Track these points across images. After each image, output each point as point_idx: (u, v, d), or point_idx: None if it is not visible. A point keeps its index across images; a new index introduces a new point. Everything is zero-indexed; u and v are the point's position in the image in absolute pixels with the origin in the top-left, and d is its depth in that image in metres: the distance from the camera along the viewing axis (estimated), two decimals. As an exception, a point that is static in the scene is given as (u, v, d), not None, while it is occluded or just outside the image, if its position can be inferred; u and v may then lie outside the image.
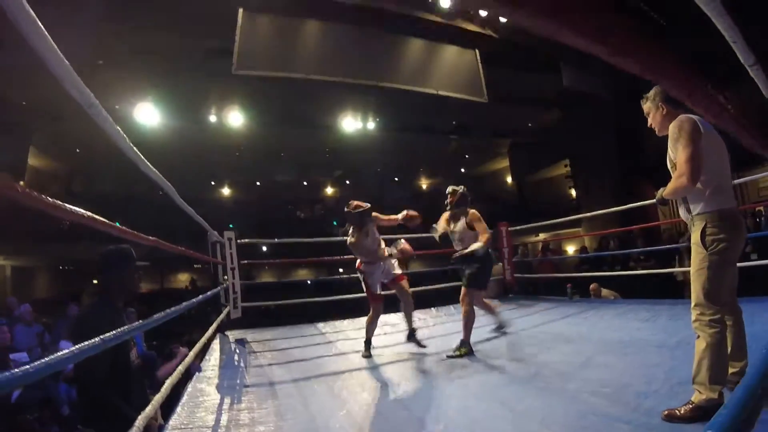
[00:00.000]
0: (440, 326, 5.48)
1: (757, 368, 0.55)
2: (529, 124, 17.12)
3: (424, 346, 4.25)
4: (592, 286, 7.73)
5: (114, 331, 1.64)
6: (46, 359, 1.16)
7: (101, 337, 1.51)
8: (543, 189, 20.52)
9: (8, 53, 7.51)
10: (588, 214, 11.17)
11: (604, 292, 7.75)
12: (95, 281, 17.18)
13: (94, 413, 2.21)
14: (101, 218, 1.59)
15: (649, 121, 2.62)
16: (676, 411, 2.17)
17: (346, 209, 4.31)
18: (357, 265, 4.44)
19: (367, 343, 4.26)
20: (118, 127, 1.59)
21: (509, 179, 22.50)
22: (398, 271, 4.48)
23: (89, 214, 1.50)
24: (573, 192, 17.70)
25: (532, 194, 20.76)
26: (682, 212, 2.43)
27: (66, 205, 1.37)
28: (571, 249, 17.56)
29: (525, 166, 20.42)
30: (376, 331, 4.41)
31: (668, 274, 8.16)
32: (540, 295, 7.30)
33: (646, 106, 2.64)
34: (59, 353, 1.26)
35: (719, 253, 2.20)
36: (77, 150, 15.98)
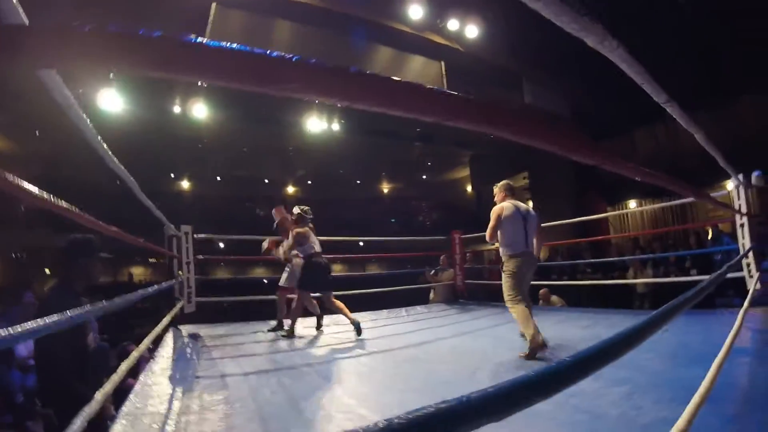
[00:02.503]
0: (389, 327, 5.67)
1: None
2: (491, 136, 17.49)
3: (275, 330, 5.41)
4: (542, 291, 8.11)
5: (71, 313, 1.72)
6: (14, 328, 1.20)
7: (59, 315, 1.54)
8: (500, 199, 20.99)
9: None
10: (542, 225, 11.59)
11: (553, 298, 8.14)
12: (47, 270, 16.68)
13: (53, 394, 2.27)
14: (67, 205, 1.66)
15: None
16: (521, 354, 3.73)
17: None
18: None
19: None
20: (93, 129, 1.68)
21: (469, 188, 22.95)
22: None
23: (61, 201, 1.58)
24: (530, 203, 18.21)
25: (490, 204, 21.06)
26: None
27: (34, 188, 1.45)
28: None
29: (485, 176, 20.80)
30: (330, 329, 5.27)
31: (614, 285, 8.62)
32: (487, 302, 7.58)
33: (495, 190, 4.65)
34: (19, 327, 1.31)
35: (509, 274, 4.15)
36: (36, 132, 15.44)
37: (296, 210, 5.40)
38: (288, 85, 0.65)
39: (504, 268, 4.18)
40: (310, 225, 5.43)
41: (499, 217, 4.18)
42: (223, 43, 0.60)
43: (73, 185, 15.58)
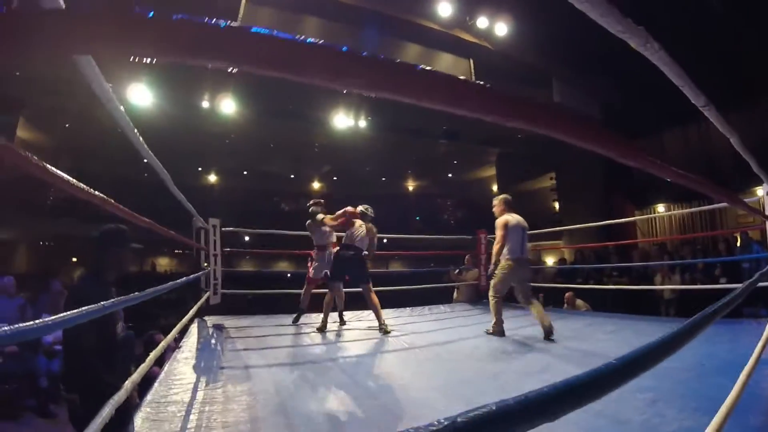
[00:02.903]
0: (411, 325, 5.65)
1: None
2: (519, 136, 17.34)
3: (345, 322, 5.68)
4: (567, 295, 8.00)
5: (101, 303, 1.75)
6: (39, 321, 1.20)
7: (87, 307, 1.59)
8: (527, 200, 20.75)
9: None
10: (568, 227, 11.45)
11: (578, 302, 8.02)
12: (74, 258, 17.11)
13: (79, 380, 2.32)
14: (104, 197, 1.69)
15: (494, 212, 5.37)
16: (487, 330, 4.93)
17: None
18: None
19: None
20: (129, 120, 1.70)
21: (495, 188, 22.76)
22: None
23: (98, 193, 1.61)
24: (556, 205, 17.98)
25: (516, 204, 20.96)
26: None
27: (71, 179, 1.48)
28: (550, 260, 17.86)
29: (511, 176, 20.64)
30: (353, 324, 5.49)
31: (640, 290, 8.44)
32: (513, 303, 7.50)
33: (495, 202, 5.46)
34: (49, 318, 1.33)
35: (502, 275, 4.96)
36: (66, 125, 15.83)
37: (360, 207, 5.54)
38: (319, 73, 0.63)
39: (500, 268, 4.97)
40: (370, 225, 5.51)
41: (506, 226, 4.98)
42: (257, 28, 0.59)
43: (101, 178, 15.95)
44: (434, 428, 0.45)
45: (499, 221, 5.07)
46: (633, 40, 1.26)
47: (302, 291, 5.72)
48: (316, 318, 5.60)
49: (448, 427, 0.46)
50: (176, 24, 0.56)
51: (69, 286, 2.85)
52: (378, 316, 5.14)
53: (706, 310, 1.22)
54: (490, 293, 5.06)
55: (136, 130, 1.84)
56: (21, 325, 1.12)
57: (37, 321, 1.19)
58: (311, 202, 5.83)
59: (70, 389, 2.39)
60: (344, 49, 0.65)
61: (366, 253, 5.45)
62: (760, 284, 4.48)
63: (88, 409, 2.19)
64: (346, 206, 5.54)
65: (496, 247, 4.98)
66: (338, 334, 5.05)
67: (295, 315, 5.67)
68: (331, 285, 5.38)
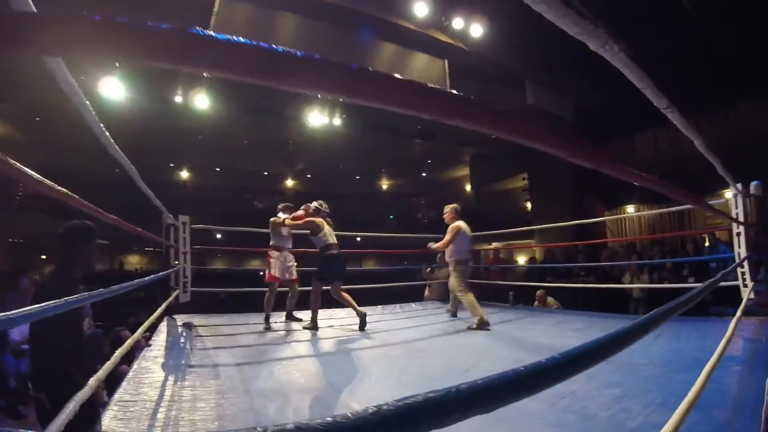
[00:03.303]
0: (382, 323, 5.69)
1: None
2: (492, 136, 17.46)
3: (300, 320, 5.68)
4: (538, 293, 8.16)
5: (66, 298, 1.72)
6: (2, 315, 1.19)
7: (53, 302, 1.57)
8: (500, 199, 21.04)
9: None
10: (539, 227, 11.65)
11: (549, 300, 8.18)
12: (44, 256, 16.65)
13: (46, 378, 2.28)
14: (69, 192, 1.67)
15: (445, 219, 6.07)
16: (471, 326, 5.16)
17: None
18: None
19: (268, 318, 5.37)
20: (96, 117, 1.69)
21: (468, 187, 22.96)
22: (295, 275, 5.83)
23: (63, 189, 1.59)
24: (529, 205, 18.25)
25: (489, 204, 21.24)
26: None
27: (36, 174, 1.47)
28: (522, 259, 18.13)
29: (484, 176, 20.85)
30: (324, 323, 5.38)
31: (610, 288, 8.65)
32: (484, 301, 7.60)
33: (446, 209, 6.13)
34: (13, 311, 1.32)
35: (460, 273, 5.71)
36: (37, 119, 15.42)
37: (314, 204, 5.58)
38: (293, 80, 0.66)
39: (455, 269, 5.78)
40: (327, 219, 5.54)
41: (457, 232, 5.79)
42: (231, 37, 0.61)
43: (73, 174, 15.56)
44: (361, 415, 0.48)
45: (452, 226, 5.85)
46: (591, 41, 1.29)
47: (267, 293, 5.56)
48: (280, 316, 5.77)
49: (375, 414, 0.49)
50: (149, 30, 0.57)
51: (36, 283, 2.80)
52: (354, 306, 5.27)
53: (665, 305, 1.28)
54: (459, 294, 5.75)
55: (102, 126, 1.83)
56: None
57: (3, 314, 1.17)
58: (281, 205, 5.84)
59: (38, 388, 2.35)
60: (318, 57, 0.68)
61: None
62: (726, 283, 4.69)
63: (56, 407, 2.17)
64: (315, 206, 5.57)
65: (441, 245, 5.91)
66: (311, 333, 5.05)
67: (264, 318, 5.43)
68: (328, 285, 5.35)
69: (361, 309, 5.21)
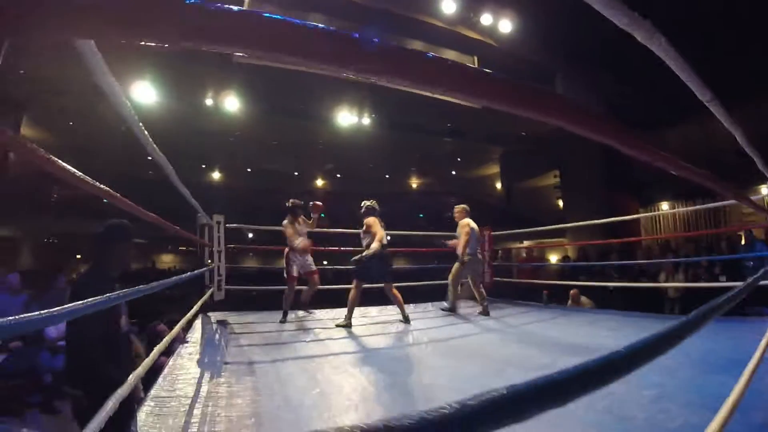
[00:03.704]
0: (415, 321, 5.64)
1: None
2: (523, 133, 17.31)
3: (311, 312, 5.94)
4: (572, 292, 8.00)
5: (104, 296, 1.74)
6: (42, 312, 1.16)
7: (91, 299, 1.57)
8: (531, 197, 20.74)
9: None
10: (571, 225, 11.43)
11: (583, 299, 8.01)
12: (78, 256, 17.13)
13: (83, 375, 2.32)
14: (109, 190, 1.69)
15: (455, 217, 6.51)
16: (442, 307, 6.40)
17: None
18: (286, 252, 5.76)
19: (285, 314, 5.59)
20: (134, 114, 1.69)
21: (498, 185, 22.71)
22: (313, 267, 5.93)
23: (102, 186, 1.61)
24: (560, 202, 17.96)
25: (519, 201, 20.98)
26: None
27: (76, 172, 1.48)
28: (554, 258, 17.86)
29: (515, 173, 20.62)
30: (358, 321, 5.37)
31: (644, 288, 8.41)
32: (517, 300, 7.48)
33: (457, 209, 6.57)
34: (54, 309, 1.32)
35: (462, 267, 6.19)
36: (70, 123, 15.88)
37: (365, 203, 5.71)
38: (326, 59, 0.63)
39: (460, 261, 6.20)
40: (378, 218, 5.61)
41: (471, 231, 6.28)
42: (268, 14, 0.59)
43: (104, 176, 15.92)
44: (445, 411, 0.45)
45: (463, 223, 6.33)
46: (639, 33, 1.24)
47: (286, 290, 5.74)
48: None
49: (459, 410, 0.45)
50: (184, 7, 0.55)
51: (72, 281, 2.86)
52: (401, 308, 5.54)
53: (703, 307, 1.21)
54: (450, 280, 6.38)
55: (141, 124, 1.84)
56: (23, 315, 1.11)
57: (40, 312, 1.17)
58: (291, 202, 5.98)
59: (74, 385, 2.38)
60: (354, 35, 0.65)
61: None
62: (764, 282, 4.49)
63: (93, 404, 2.20)
64: (368, 205, 5.70)
65: (462, 243, 6.20)
66: (345, 331, 5.04)
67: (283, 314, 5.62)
68: (359, 283, 5.43)
69: (388, 312, 5.62)
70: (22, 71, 11.48)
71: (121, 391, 1.86)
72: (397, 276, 6.09)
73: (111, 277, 2.57)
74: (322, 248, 7.37)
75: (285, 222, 5.75)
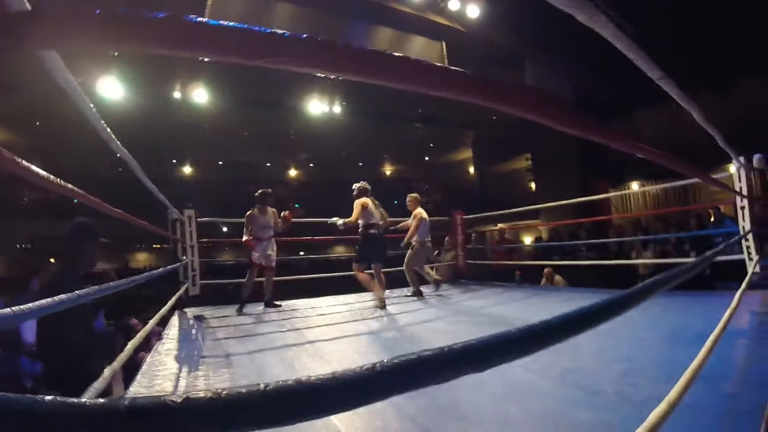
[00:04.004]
0: (390, 306, 5.71)
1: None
2: (494, 117, 17.48)
3: (279, 305, 5.85)
4: (546, 270, 8.18)
5: (75, 292, 1.73)
6: (15, 308, 1.18)
7: (64, 295, 1.57)
8: (504, 181, 21.00)
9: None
10: (542, 206, 11.62)
11: (557, 278, 8.20)
12: (53, 259, 16.74)
13: (61, 376, 2.32)
14: (78, 189, 1.69)
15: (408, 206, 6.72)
16: (407, 293, 6.43)
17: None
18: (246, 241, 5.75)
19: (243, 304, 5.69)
20: (96, 112, 1.69)
21: (472, 170, 22.91)
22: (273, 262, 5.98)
23: (70, 185, 1.60)
24: (533, 185, 18.23)
25: (493, 185, 21.22)
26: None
27: (44, 173, 1.48)
28: (528, 240, 18.16)
29: (488, 157, 20.81)
30: (335, 309, 5.50)
31: (616, 265, 8.63)
32: (491, 281, 7.63)
33: (409, 198, 6.88)
34: (33, 303, 1.29)
35: (416, 252, 6.56)
36: (36, 123, 15.48)
37: (356, 185, 5.83)
38: (281, 58, 0.68)
39: (413, 248, 6.57)
40: (372, 198, 5.79)
41: (422, 218, 6.61)
42: (223, 22, 0.62)
43: (74, 176, 15.56)
44: (357, 372, 0.51)
45: (416, 213, 6.63)
46: (580, 14, 1.26)
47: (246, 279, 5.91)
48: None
49: (370, 370, 0.52)
50: (145, 20, 0.59)
51: (43, 282, 2.88)
52: (378, 291, 5.58)
53: (658, 276, 1.29)
54: (406, 267, 6.63)
55: (103, 122, 1.84)
56: (5, 310, 1.13)
57: (12, 308, 1.17)
58: (258, 193, 6.08)
59: (52, 386, 2.39)
60: (320, 39, 0.70)
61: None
62: (730, 257, 4.69)
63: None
64: (359, 186, 5.85)
65: (412, 231, 6.54)
66: (313, 318, 5.08)
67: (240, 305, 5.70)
68: (361, 267, 5.68)
69: (380, 293, 5.53)
70: None
71: (98, 384, 1.87)
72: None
73: (80, 277, 2.60)
74: (297, 239, 7.34)
75: (251, 212, 5.86)
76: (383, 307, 5.40)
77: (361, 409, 2.25)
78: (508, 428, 2.05)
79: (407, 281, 6.67)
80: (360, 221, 5.63)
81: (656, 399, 2.22)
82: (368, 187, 5.86)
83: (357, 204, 5.61)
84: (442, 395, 2.44)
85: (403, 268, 6.66)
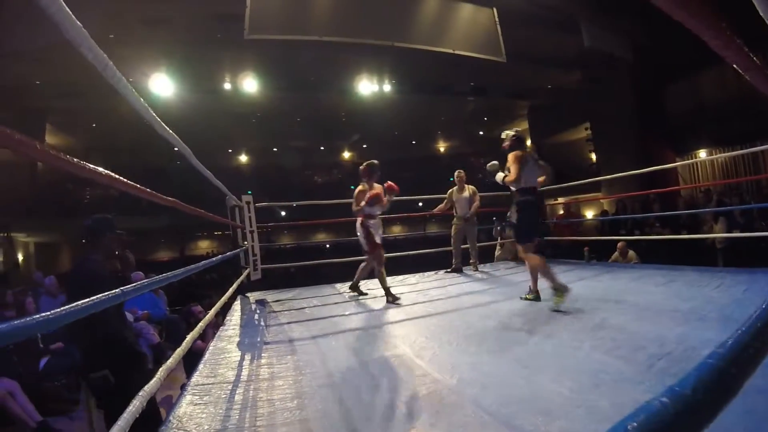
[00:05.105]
0: (454, 287, 5.51)
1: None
2: (549, 86, 16.71)
3: (398, 299, 4.82)
4: (619, 244, 7.75)
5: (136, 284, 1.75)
6: (70, 306, 1.32)
7: (130, 286, 1.71)
8: (563, 152, 20.12)
9: (19, 36, 7.72)
10: (607, 177, 11.02)
11: (630, 253, 7.73)
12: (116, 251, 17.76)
13: (108, 354, 2.58)
14: (124, 180, 1.63)
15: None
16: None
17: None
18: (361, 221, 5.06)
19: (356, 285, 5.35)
20: (132, 89, 1.59)
21: (528, 142, 22.14)
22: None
23: (124, 179, 1.58)
24: (593, 156, 17.41)
25: (551, 157, 20.32)
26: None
27: (103, 170, 1.42)
28: (590, 214, 17.41)
29: (544, 128, 20.01)
30: (393, 290, 4.95)
31: (688, 239, 8.05)
32: (557, 258, 7.27)
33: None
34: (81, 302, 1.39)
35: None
36: (93, 125, 16.14)
37: (508, 133, 4.54)
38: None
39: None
40: (531, 150, 4.63)
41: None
42: None
43: (133, 171, 16.22)
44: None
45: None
46: None
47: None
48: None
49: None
50: None
51: (73, 270, 3.15)
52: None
53: None
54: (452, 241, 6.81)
55: (150, 109, 1.75)
56: (63, 308, 1.27)
57: (75, 304, 1.33)
58: (368, 163, 5.24)
59: (97, 368, 2.57)
60: None
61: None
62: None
63: (123, 380, 2.32)
64: (512, 135, 4.53)
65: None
66: (379, 300, 4.95)
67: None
68: (528, 246, 4.35)
69: (426, 278, 5.44)
70: (38, 82, 11.69)
71: (160, 375, 1.83)
72: (432, 241, 5.90)
73: (101, 262, 3.06)
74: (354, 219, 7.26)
75: (360, 186, 5.08)
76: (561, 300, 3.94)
77: (436, 402, 2.10)
78: (594, 421, 1.83)
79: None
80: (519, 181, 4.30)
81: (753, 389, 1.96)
82: (523, 137, 4.68)
83: (514, 158, 4.30)
84: (521, 387, 2.24)
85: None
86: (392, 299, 4.74)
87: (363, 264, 5.39)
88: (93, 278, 2.80)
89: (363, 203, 4.86)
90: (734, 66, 1.17)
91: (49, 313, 1.14)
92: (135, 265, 4.36)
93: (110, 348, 2.72)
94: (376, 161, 5.22)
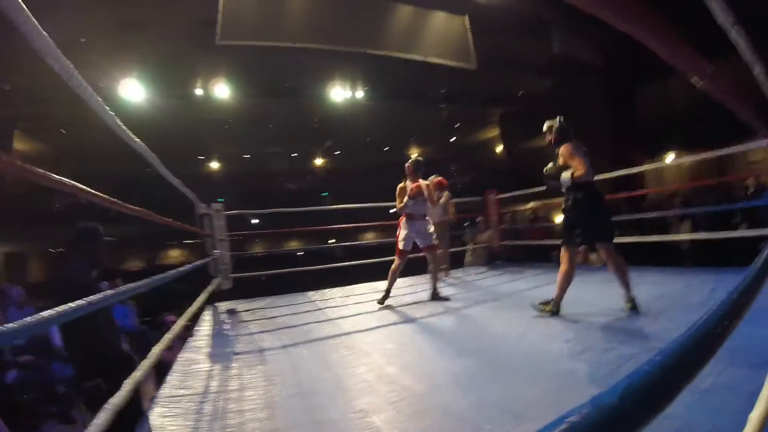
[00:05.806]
0: (427, 292, 5.53)
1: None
2: (521, 92, 16.97)
3: (448, 299, 4.85)
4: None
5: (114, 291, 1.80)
6: (51, 311, 1.30)
7: (100, 294, 1.67)
8: (534, 158, 20.39)
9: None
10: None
11: (592, 257, 7.84)
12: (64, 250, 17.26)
13: (100, 361, 2.61)
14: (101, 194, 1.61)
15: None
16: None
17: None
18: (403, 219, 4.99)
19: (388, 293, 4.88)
20: (98, 98, 1.57)
21: (500, 148, 22.41)
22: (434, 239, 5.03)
23: (89, 189, 1.57)
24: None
25: (523, 163, 20.64)
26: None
27: (68, 181, 1.40)
28: (560, 218, 17.66)
29: (516, 134, 20.26)
30: (364, 298, 5.13)
31: (658, 241, 8.22)
32: (527, 262, 7.37)
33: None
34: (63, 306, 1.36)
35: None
36: (62, 131, 15.76)
37: (550, 124, 4.28)
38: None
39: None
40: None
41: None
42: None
43: (104, 177, 15.88)
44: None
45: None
46: None
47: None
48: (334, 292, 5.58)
49: None
50: None
51: (58, 279, 3.15)
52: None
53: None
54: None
55: (107, 108, 1.72)
56: (37, 315, 1.25)
57: (49, 311, 1.29)
58: (415, 159, 5.12)
59: (91, 376, 2.57)
60: None
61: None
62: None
63: (115, 387, 2.28)
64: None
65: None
66: (350, 307, 4.93)
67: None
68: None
69: (396, 285, 5.02)
70: (7, 87, 11.38)
71: (129, 386, 1.80)
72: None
73: (88, 271, 3.06)
74: (328, 227, 7.22)
75: (402, 184, 4.93)
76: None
77: (405, 407, 2.11)
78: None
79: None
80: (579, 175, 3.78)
81: (722, 386, 2.02)
82: (567, 125, 4.21)
83: (571, 150, 3.86)
84: (493, 391, 2.27)
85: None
86: (382, 301, 4.81)
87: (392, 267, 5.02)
88: (75, 286, 2.75)
89: (406, 198, 4.82)
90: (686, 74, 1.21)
91: (15, 323, 1.15)
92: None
93: (102, 356, 2.74)
94: (420, 158, 5.14)
